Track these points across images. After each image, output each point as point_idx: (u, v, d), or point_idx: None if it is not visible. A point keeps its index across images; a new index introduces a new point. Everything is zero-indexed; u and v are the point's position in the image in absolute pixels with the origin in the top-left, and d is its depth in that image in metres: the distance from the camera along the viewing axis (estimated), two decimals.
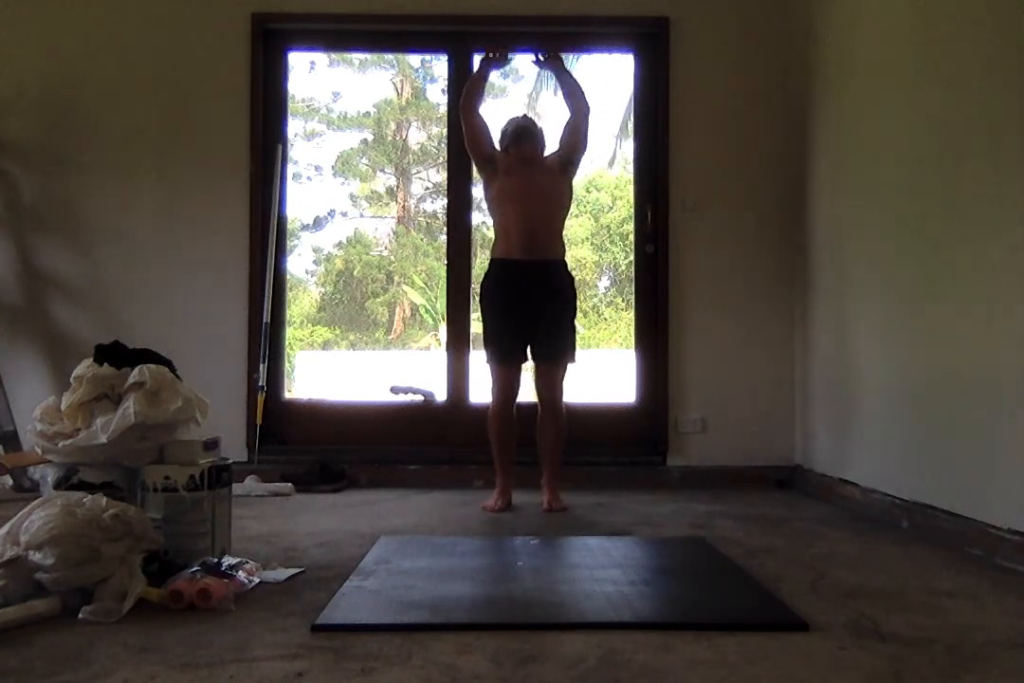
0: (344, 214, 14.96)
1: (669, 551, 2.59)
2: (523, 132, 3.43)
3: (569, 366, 3.39)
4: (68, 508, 1.90)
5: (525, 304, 3.33)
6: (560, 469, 3.39)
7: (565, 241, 3.49)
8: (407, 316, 14.91)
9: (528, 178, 3.37)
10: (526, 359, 3.38)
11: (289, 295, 4.51)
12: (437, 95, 14.27)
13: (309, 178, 14.56)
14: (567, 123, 3.50)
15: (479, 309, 3.51)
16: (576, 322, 3.45)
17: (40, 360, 3.94)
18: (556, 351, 3.35)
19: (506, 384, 3.36)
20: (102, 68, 4.01)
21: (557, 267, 3.40)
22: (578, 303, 3.46)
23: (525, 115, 3.62)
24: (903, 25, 3.04)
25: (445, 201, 4.31)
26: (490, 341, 3.38)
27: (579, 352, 3.45)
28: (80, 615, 1.79)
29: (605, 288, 14.67)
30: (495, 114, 3.42)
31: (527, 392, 3.46)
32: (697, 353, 4.02)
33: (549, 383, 3.36)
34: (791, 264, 3.99)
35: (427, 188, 15.42)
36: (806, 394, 3.88)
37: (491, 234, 3.55)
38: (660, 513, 3.22)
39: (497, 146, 3.48)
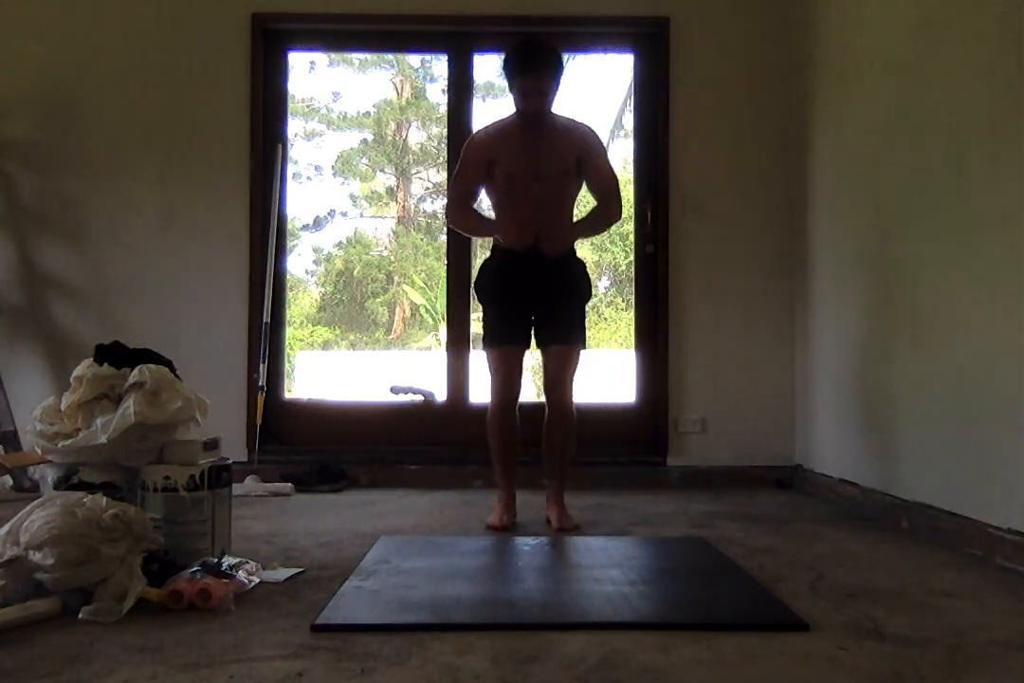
0: (344, 214, 14.95)
1: (669, 551, 2.59)
2: (528, 60, 2.85)
3: (580, 356, 3.02)
4: (68, 508, 1.90)
5: (530, 289, 3.00)
6: (569, 481, 3.06)
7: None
8: (407, 316, 14.90)
9: (534, 171, 2.97)
10: (529, 344, 3.03)
11: (289, 295, 4.50)
12: (437, 95, 14.25)
13: (309, 178, 14.54)
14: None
15: (478, 299, 3.19)
16: (586, 308, 3.10)
17: (40, 360, 3.94)
18: (564, 331, 3.00)
19: (507, 379, 2.99)
20: (102, 68, 4.01)
21: (565, 256, 3.04)
22: (592, 290, 3.13)
23: (533, 36, 3.05)
24: (904, 23, 3.04)
25: (445, 201, 4.31)
26: (489, 324, 3.06)
27: (588, 342, 3.09)
28: (80, 615, 1.79)
29: (605, 288, 14.65)
30: (492, 116, 3.22)
31: (530, 393, 3.39)
32: (697, 353, 4.02)
33: (558, 372, 2.98)
34: (791, 264, 3.99)
35: (427, 188, 15.40)
36: (806, 394, 3.88)
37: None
38: (660, 513, 3.22)
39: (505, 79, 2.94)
